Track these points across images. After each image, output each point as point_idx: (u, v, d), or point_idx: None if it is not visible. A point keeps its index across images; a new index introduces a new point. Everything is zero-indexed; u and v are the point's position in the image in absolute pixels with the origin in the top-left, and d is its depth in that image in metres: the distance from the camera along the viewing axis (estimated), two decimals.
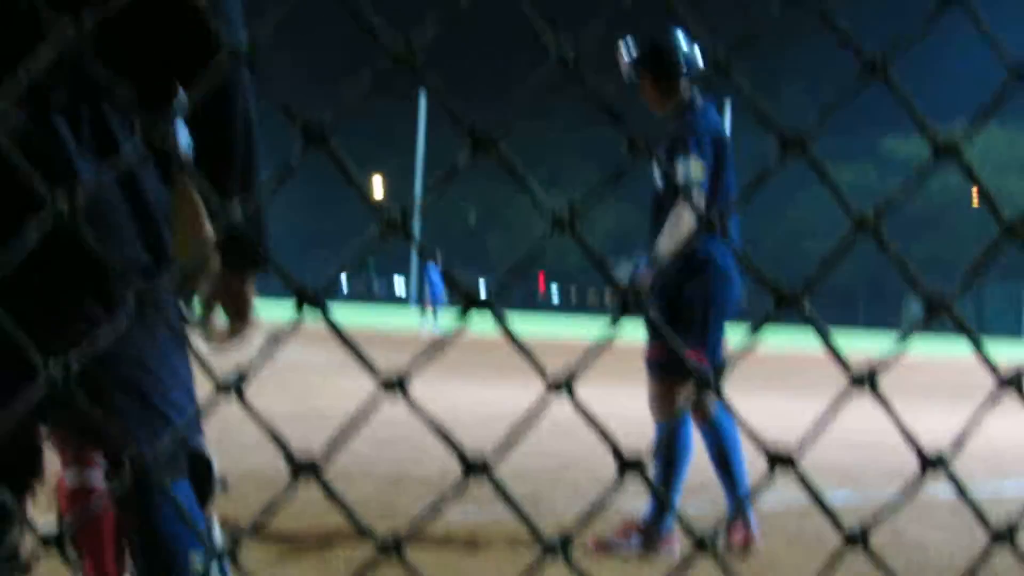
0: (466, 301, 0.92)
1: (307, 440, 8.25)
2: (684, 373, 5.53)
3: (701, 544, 0.99)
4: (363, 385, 12.47)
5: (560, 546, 0.94)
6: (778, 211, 78.56)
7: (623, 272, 5.47)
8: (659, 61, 5.56)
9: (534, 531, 0.99)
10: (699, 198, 5.44)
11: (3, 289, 2.59)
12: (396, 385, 0.91)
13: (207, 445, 3.02)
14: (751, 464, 5.62)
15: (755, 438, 0.97)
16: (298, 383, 13.65)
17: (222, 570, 2.87)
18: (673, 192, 5.55)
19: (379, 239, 0.91)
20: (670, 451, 5.47)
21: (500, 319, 0.92)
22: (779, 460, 0.95)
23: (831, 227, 68.70)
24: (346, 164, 0.91)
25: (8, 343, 1.05)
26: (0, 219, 2.63)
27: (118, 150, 2.68)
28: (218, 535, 2.97)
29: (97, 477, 3.45)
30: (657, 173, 5.64)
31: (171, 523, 2.83)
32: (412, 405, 0.92)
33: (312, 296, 0.89)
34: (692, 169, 5.40)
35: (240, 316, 2.94)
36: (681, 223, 5.42)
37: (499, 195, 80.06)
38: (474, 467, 0.93)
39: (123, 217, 2.68)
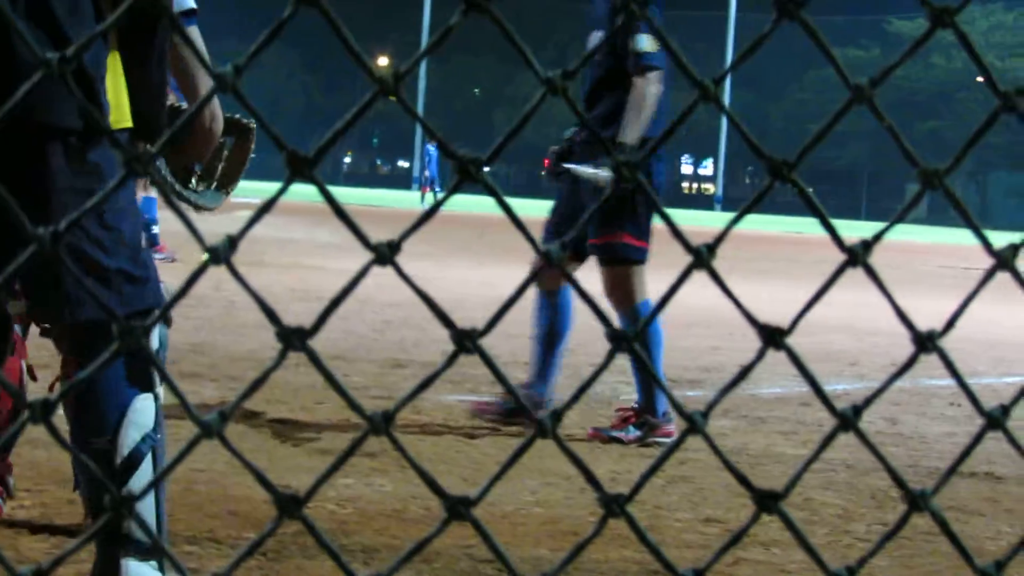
0: (460, 169, 0.90)
1: (302, 320, 8.26)
2: (638, 258, 5.57)
3: (692, 424, 0.98)
4: (359, 265, 12.38)
5: (550, 424, 0.94)
6: (784, 92, 78.06)
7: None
8: None
9: (523, 410, 0.99)
10: (656, 76, 5.37)
11: None
12: (387, 253, 0.90)
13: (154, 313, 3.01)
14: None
15: (746, 314, 0.97)
16: (298, 262, 13.66)
17: (139, 458, 2.86)
18: (618, 72, 5.44)
19: (371, 102, 0.89)
20: (644, 334, 5.41)
21: (491, 189, 0.90)
22: (771, 333, 0.95)
23: (836, 109, 68.40)
24: (339, 23, 0.89)
25: None
26: None
27: (54, 15, 2.66)
28: (144, 412, 2.90)
29: None
30: (594, 43, 5.50)
31: (83, 396, 2.83)
32: (401, 274, 0.91)
33: (303, 158, 0.88)
34: (647, 43, 5.32)
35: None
36: (645, 104, 5.35)
37: (505, 74, 79.28)
38: (463, 340, 0.92)
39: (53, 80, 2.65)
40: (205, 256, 0.91)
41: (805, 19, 0.94)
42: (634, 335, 0.95)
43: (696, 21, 68.67)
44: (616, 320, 5.32)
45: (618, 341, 0.94)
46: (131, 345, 0.90)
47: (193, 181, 3.41)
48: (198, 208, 3.40)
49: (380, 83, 0.91)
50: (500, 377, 0.94)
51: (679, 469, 4.75)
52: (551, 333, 5.71)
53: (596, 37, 5.58)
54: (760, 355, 0.97)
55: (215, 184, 3.45)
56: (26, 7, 2.63)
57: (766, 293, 12.64)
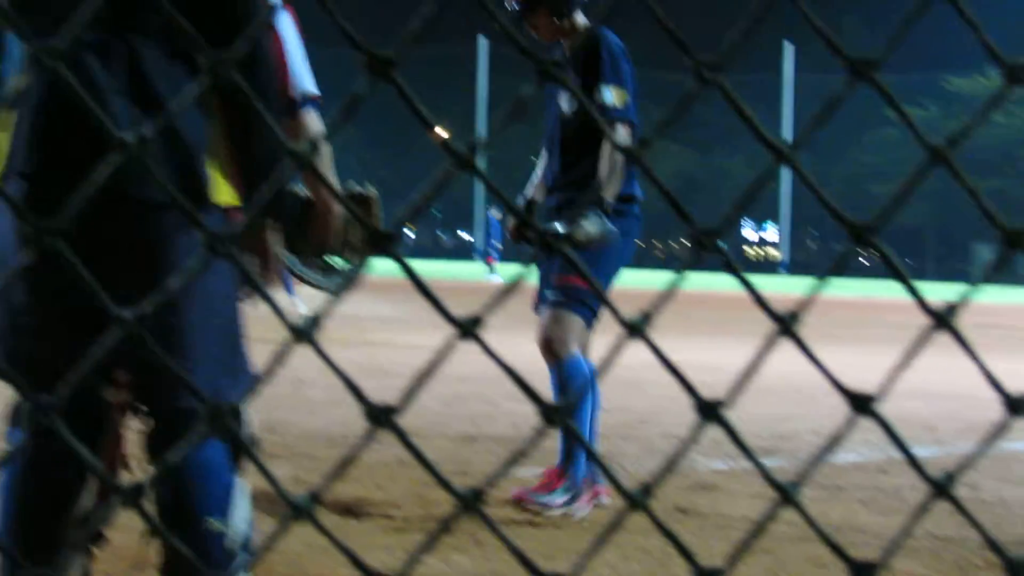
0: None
1: (374, 396, 8.27)
2: (593, 306, 5.29)
3: (785, 496, 0.97)
4: (429, 340, 12.45)
5: (640, 497, 0.93)
6: (843, 154, 77.78)
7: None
8: None
9: (615, 484, 0.98)
10: (625, 130, 5.18)
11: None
12: (470, 330, 0.90)
13: (246, 398, 2.99)
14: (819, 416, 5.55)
15: (834, 381, 0.96)
16: (362, 337, 13.69)
17: (246, 541, 2.84)
18: (587, 127, 5.28)
19: (448, 175, 0.90)
20: (581, 387, 5.11)
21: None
22: (860, 401, 0.94)
23: (897, 170, 67.88)
24: (413, 98, 0.89)
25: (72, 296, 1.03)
26: (46, 160, 2.63)
27: (152, 88, 2.66)
28: (243, 497, 2.90)
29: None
30: (565, 105, 5.37)
31: (196, 481, 2.80)
32: (487, 350, 0.91)
33: (385, 234, 0.89)
34: (615, 97, 5.16)
35: (261, 268, 2.93)
36: (615, 158, 5.16)
37: None
38: (551, 415, 0.92)
39: (158, 156, 2.64)
40: (288, 333, 0.91)
41: (879, 81, 0.94)
42: (717, 404, 0.94)
43: (750, 84, 68.64)
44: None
45: (708, 411, 0.94)
46: (224, 429, 0.90)
47: (319, 260, 3.30)
48: (327, 290, 3.31)
49: (457, 156, 0.92)
50: (588, 450, 0.93)
51: (757, 541, 4.69)
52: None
53: (564, 98, 5.41)
54: (849, 422, 0.96)
55: (343, 262, 3.32)
56: (127, 75, 2.65)
57: (838, 358, 12.52)
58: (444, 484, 0.92)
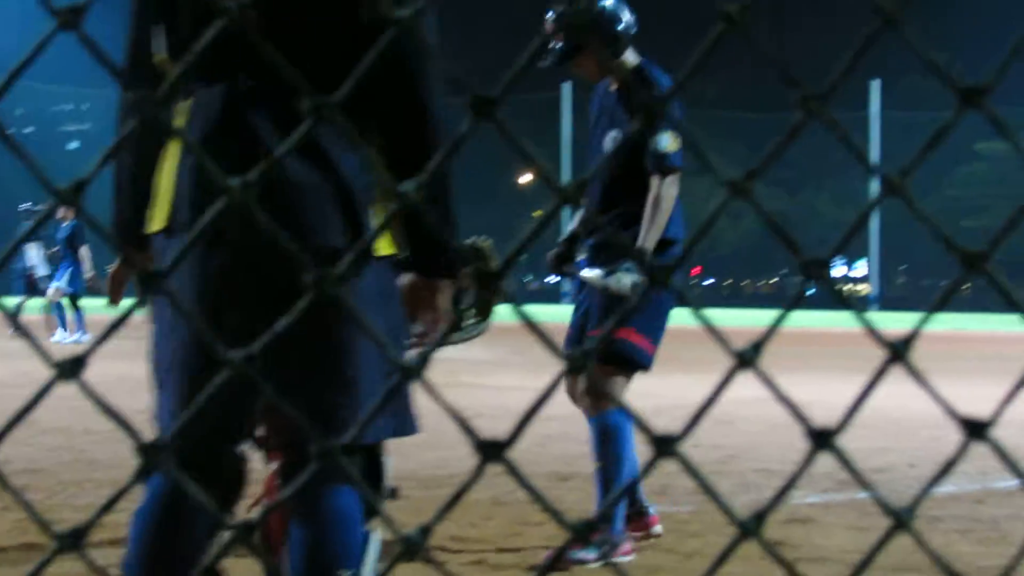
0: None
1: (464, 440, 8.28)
2: (641, 362, 5.15)
3: (899, 522, 0.97)
4: (520, 381, 12.44)
5: (754, 525, 0.93)
6: (933, 189, 77.04)
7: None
8: (604, 30, 5.18)
9: (726, 511, 0.98)
10: (675, 177, 5.04)
11: (210, 288, 2.65)
12: (580, 367, 0.91)
13: (385, 445, 2.99)
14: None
15: (948, 408, 0.95)
16: (454, 380, 13.70)
17: None
18: (632, 167, 5.09)
19: (554, 212, 0.91)
20: (617, 444, 5.06)
21: (691, 304, 0.91)
22: (974, 427, 0.93)
23: (989, 204, 66.99)
24: (515, 137, 0.90)
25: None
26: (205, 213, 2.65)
27: (317, 142, 2.67)
28: (375, 550, 2.89)
29: None
30: (610, 143, 5.23)
31: (333, 531, 2.80)
32: (596, 386, 0.92)
33: (491, 273, 0.89)
34: (670, 143, 5.01)
35: (431, 324, 2.89)
36: (664, 206, 5.01)
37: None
38: (663, 446, 0.92)
39: (324, 202, 2.67)
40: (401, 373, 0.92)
41: (991, 108, 0.93)
42: (830, 432, 0.94)
43: (842, 121, 68.04)
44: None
45: (821, 439, 0.93)
46: (335, 468, 0.91)
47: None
48: (458, 342, 3.32)
49: (560, 192, 0.92)
50: (702, 482, 0.93)
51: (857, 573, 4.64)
52: (602, 466, 5.13)
53: (611, 137, 5.27)
54: (963, 448, 0.95)
55: (473, 313, 3.30)
56: (286, 123, 2.64)
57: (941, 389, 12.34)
58: (557, 517, 0.92)
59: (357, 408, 2.72)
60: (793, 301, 0.94)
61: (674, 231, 5.14)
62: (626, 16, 5.24)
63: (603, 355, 5.01)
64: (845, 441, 0.92)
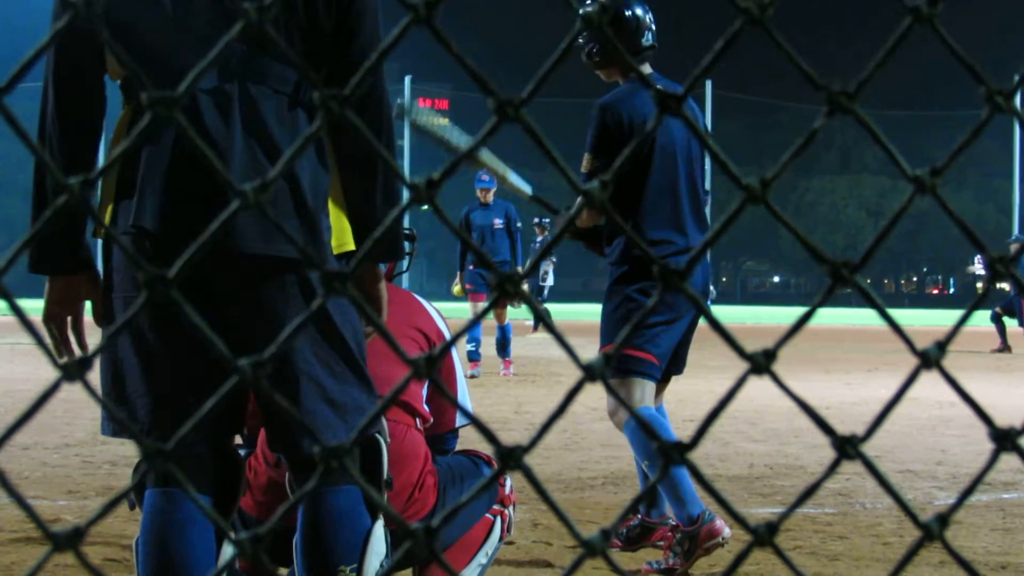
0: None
1: (594, 437, 8.29)
2: (636, 369, 4.97)
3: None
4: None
5: (937, 528, 0.93)
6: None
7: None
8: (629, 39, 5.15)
9: (911, 515, 0.98)
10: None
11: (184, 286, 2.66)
12: (766, 367, 0.91)
13: (383, 436, 3.00)
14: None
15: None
16: (554, 379, 13.70)
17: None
18: (622, 179, 4.96)
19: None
20: (641, 441, 4.89)
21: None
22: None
23: None
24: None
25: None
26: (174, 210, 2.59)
27: (269, 133, 2.64)
28: (380, 539, 2.88)
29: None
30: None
31: (328, 530, 2.80)
32: (781, 385, 0.92)
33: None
34: (583, 164, 5.06)
35: (376, 309, 2.88)
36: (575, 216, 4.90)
37: (788, 182, 77.64)
38: (845, 445, 0.92)
39: (287, 209, 2.63)
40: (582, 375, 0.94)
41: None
42: (1016, 432, 0.94)
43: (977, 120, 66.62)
44: None
45: (1002, 441, 0.93)
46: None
47: None
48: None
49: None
50: (884, 483, 0.93)
51: (940, 571, 4.68)
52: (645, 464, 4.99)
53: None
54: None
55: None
56: (245, 123, 2.63)
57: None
58: (734, 515, 0.93)
59: (307, 409, 2.71)
60: (979, 299, 0.94)
61: (662, 232, 5.03)
62: (650, 28, 5.26)
63: (616, 370, 4.95)
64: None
